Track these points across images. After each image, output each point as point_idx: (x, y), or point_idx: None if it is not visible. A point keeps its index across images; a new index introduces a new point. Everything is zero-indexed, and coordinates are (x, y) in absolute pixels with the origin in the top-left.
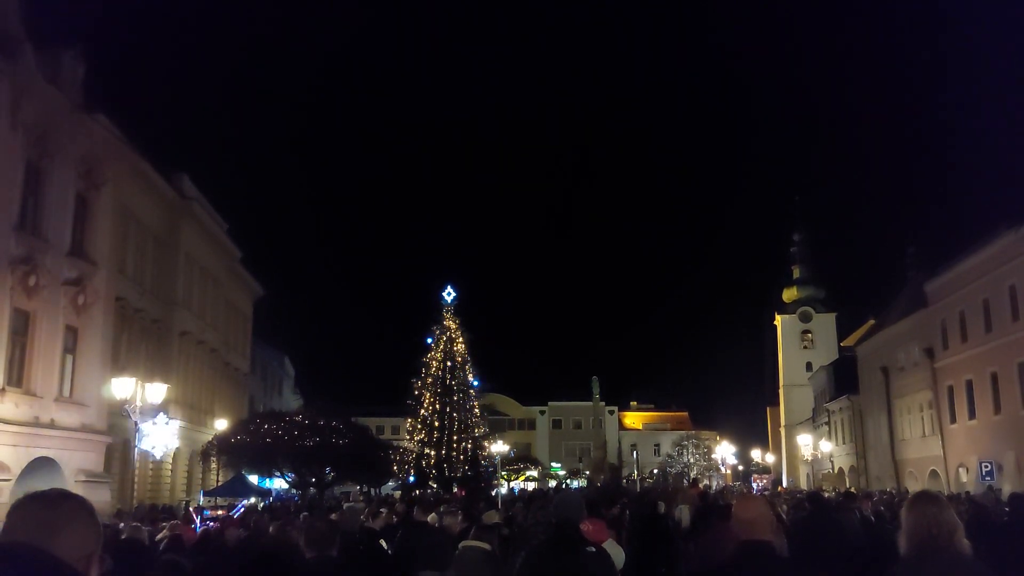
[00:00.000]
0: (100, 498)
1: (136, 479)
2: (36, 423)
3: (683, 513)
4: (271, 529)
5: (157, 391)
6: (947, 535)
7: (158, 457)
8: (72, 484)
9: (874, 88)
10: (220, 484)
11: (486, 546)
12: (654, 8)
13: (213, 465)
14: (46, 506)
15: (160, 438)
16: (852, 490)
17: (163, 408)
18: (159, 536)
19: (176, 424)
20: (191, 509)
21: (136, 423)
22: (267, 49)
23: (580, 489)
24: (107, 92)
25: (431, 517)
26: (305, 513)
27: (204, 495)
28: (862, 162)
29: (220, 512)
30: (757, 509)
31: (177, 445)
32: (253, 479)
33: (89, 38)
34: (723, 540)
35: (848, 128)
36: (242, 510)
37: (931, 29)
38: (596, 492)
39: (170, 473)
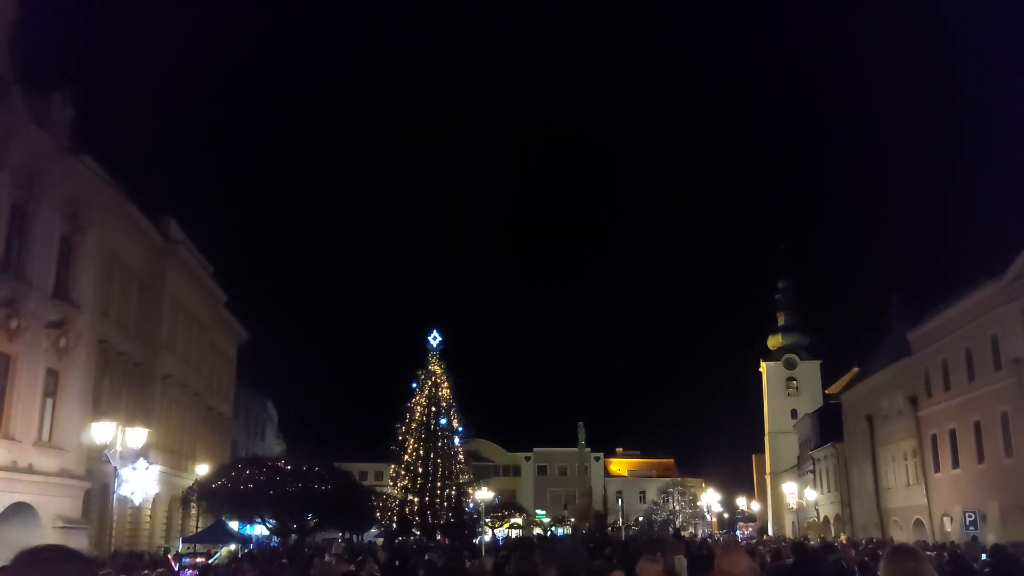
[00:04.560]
0: (77, 544)
1: (114, 525)
2: (14, 468)
3: (681, 564)
4: None
5: (138, 436)
6: None
7: (137, 503)
8: (49, 530)
9: (859, 136)
10: (200, 530)
11: None
12: (631, 55)
13: (193, 511)
14: (43, 567)
15: (140, 483)
16: (842, 539)
17: (143, 453)
18: None
19: (156, 469)
20: (169, 556)
21: (116, 468)
22: (251, 91)
23: (569, 537)
24: (95, 134)
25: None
26: (284, 560)
27: (183, 541)
28: (847, 210)
29: (199, 559)
30: (740, 563)
31: (157, 491)
32: (234, 525)
33: (78, 80)
34: None
35: (834, 175)
36: (217, 557)
37: (912, 78)
38: (580, 540)
39: (149, 519)
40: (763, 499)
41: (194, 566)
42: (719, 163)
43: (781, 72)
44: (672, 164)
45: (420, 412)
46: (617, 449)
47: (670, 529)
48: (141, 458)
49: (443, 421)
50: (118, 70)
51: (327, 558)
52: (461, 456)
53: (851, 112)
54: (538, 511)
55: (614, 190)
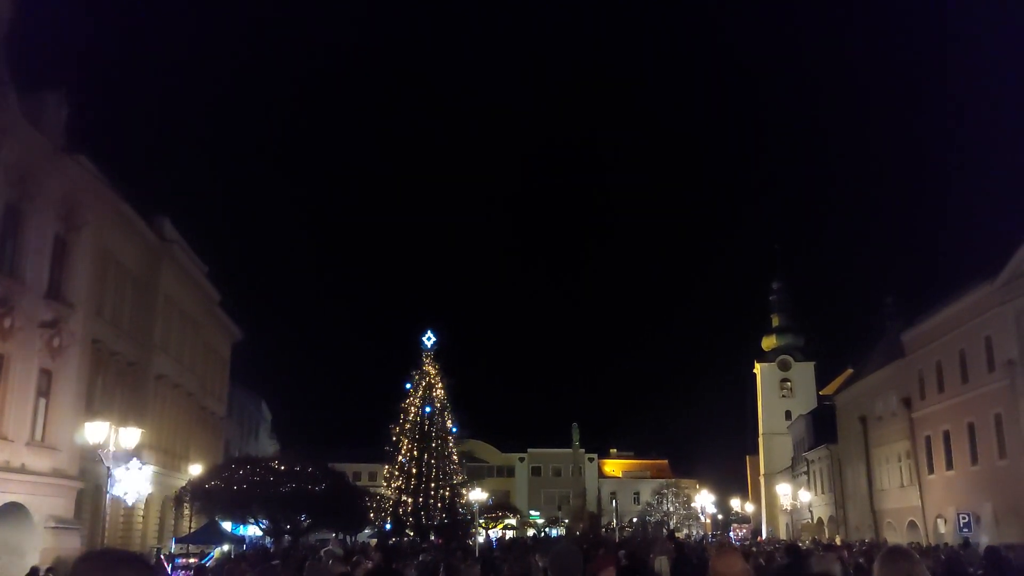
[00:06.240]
0: (70, 545)
1: (107, 525)
2: (6, 468)
3: (663, 565)
4: None
5: (131, 435)
6: None
7: (130, 503)
8: (42, 530)
9: (853, 137)
10: (193, 531)
11: None
12: (628, 55)
13: (186, 511)
14: (104, 570)
15: (133, 483)
16: (836, 540)
17: (136, 453)
18: None
19: (149, 469)
20: (162, 556)
21: (109, 468)
22: (247, 91)
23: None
24: (90, 134)
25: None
26: (276, 561)
27: (176, 542)
28: (842, 211)
29: (192, 560)
30: (735, 564)
31: (150, 491)
32: (227, 526)
33: (73, 80)
34: None
35: (828, 177)
36: (211, 558)
37: (907, 80)
38: (574, 542)
39: (142, 519)
40: (757, 500)
41: (187, 567)
42: (714, 164)
43: (777, 73)
44: (668, 165)
45: (414, 413)
46: (611, 450)
47: (664, 530)
48: (134, 458)
49: (437, 422)
50: (112, 70)
51: (323, 558)
52: (455, 457)
53: (846, 114)
54: (532, 512)
55: (609, 191)
